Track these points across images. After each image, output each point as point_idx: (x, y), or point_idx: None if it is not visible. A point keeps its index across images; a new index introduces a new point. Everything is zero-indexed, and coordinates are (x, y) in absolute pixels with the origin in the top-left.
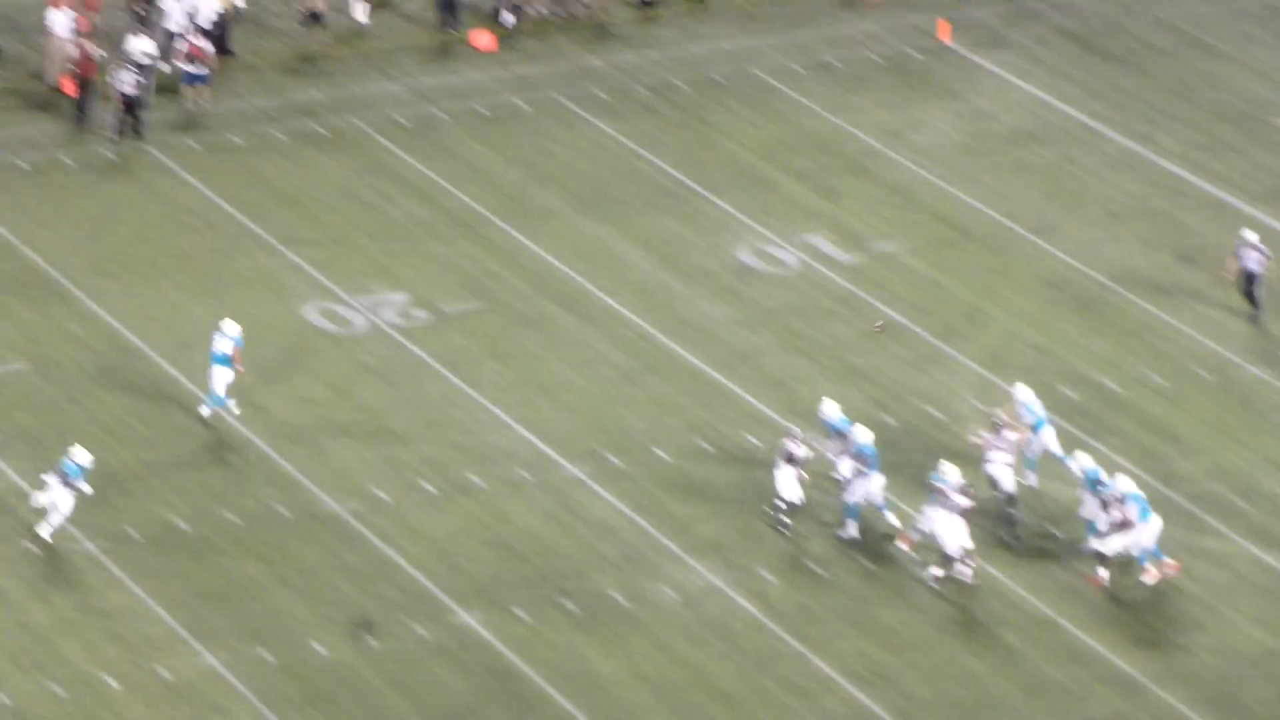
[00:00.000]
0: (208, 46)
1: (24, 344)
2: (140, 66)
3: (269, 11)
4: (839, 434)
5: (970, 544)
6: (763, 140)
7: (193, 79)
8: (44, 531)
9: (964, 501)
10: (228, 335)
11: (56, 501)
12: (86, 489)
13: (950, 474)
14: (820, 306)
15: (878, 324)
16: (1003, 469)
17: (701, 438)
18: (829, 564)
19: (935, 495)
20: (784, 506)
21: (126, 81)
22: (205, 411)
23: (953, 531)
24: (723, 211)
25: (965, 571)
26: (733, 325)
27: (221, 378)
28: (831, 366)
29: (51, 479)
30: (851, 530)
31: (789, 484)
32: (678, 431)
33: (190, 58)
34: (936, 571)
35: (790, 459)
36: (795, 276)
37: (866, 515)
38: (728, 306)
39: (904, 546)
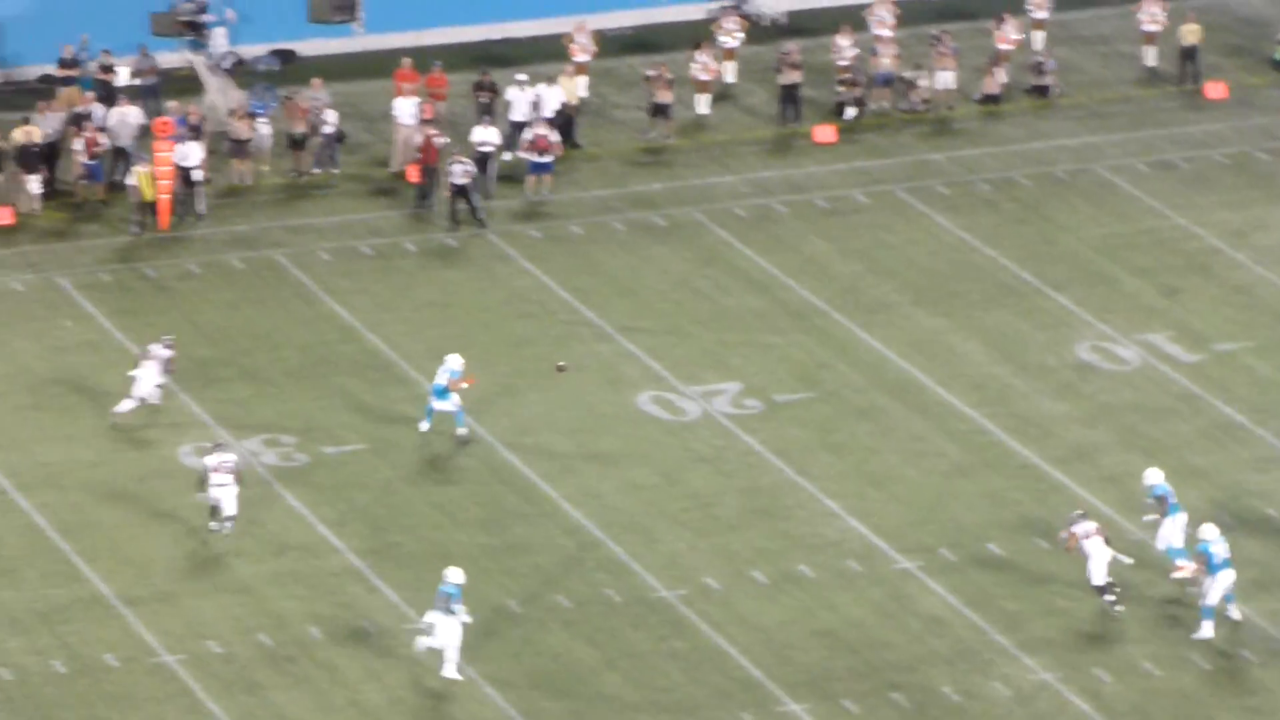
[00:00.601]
0: (554, 137)
1: (363, 425)
2: (481, 156)
3: (611, 103)
4: (1159, 499)
5: None
6: (1104, 237)
7: (537, 168)
8: (450, 672)
9: None
10: (447, 368)
11: (447, 637)
12: (465, 616)
13: None
14: (1160, 405)
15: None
16: None
17: (1036, 533)
18: (1163, 662)
19: None
20: (1103, 591)
21: (456, 172)
22: (461, 432)
23: None
24: (1062, 307)
25: None
26: (1070, 421)
27: (440, 406)
28: (1170, 464)
29: (434, 616)
30: (1206, 631)
31: (1099, 565)
32: (1012, 526)
33: (537, 148)
34: None
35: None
36: (1135, 374)
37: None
38: (1065, 402)
39: None
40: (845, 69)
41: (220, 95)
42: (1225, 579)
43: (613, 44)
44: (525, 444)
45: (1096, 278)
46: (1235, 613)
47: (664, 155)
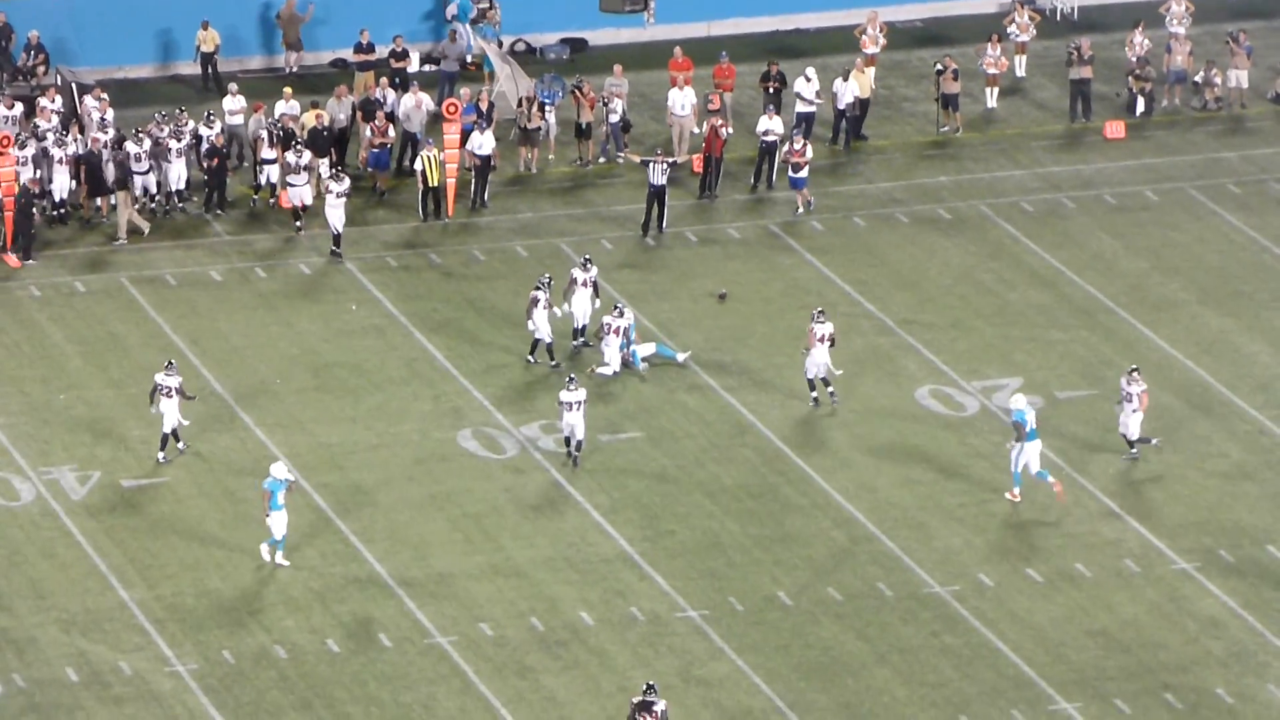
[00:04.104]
0: (809, 152)
1: (640, 414)
2: (766, 146)
3: (900, 96)
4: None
5: None
6: None
7: (796, 182)
8: None
9: None
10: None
11: None
12: None
13: None
14: None
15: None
16: None
17: None
18: None
19: None
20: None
21: (655, 173)
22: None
23: None
24: None
25: None
26: None
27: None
28: None
29: None
30: (1017, 495)
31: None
32: None
33: (792, 162)
34: None
35: None
36: None
37: None
38: None
39: None
40: (1137, 65)
41: (510, 83)
42: (1034, 447)
43: (902, 36)
44: (801, 436)
45: None
46: (1051, 478)
47: (950, 148)
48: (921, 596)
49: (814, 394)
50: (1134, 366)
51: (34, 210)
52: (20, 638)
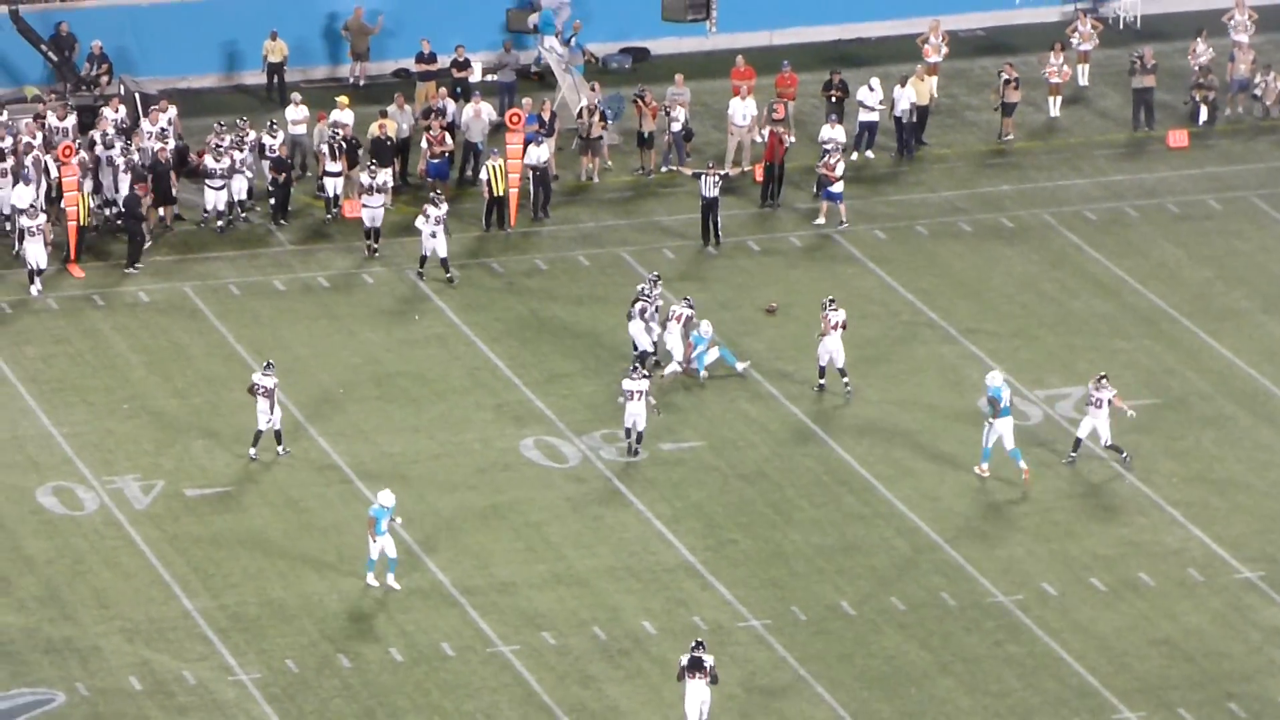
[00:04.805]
0: (840, 168)
1: (702, 423)
2: (825, 153)
3: (962, 104)
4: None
5: None
6: None
7: (829, 195)
8: None
9: None
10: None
11: None
12: None
13: None
14: None
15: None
16: None
17: None
18: None
19: None
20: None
21: (708, 185)
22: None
23: None
24: None
25: None
26: None
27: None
28: None
29: None
30: (986, 470)
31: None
32: None
33: (821, 177)
34: None
35: None
36: None
37: None
38: None
39: None
40: (1200, 73)
41: (572, 93)
42: (1007, 424)
43: (965, 45)
44: (863, 444)
45: None
46: (1022, 463)
47: (1013, 157)
48: (985, 606)
49: (821, 380)
50: (1102, 374)
51: (144, 215)
52: (84, 647)
